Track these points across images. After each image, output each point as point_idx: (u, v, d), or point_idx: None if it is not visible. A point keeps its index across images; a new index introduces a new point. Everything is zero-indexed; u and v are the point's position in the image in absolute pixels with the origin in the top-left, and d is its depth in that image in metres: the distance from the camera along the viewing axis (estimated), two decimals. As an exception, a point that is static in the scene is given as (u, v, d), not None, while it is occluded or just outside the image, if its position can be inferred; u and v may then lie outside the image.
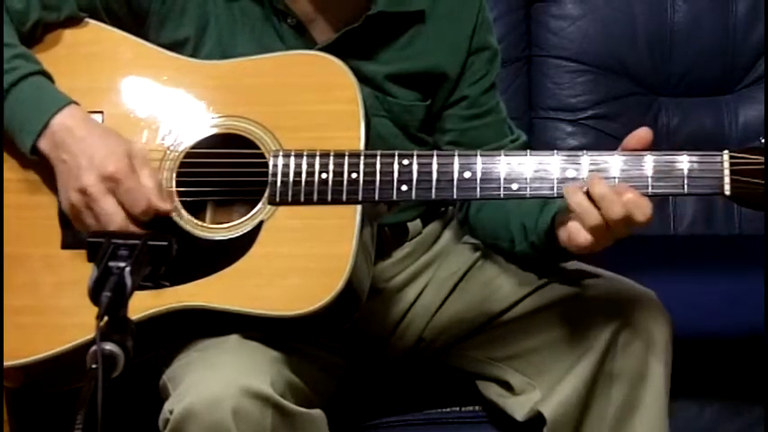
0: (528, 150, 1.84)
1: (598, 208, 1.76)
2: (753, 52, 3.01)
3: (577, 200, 1.78)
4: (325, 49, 1.94)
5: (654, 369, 1.96)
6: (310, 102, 1.88)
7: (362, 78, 1.92)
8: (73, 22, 1.96)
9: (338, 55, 1.90)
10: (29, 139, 1.83)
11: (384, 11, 1.97)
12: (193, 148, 1.88)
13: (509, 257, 2.07)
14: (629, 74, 3.00)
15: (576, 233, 1.79)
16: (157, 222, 1.83)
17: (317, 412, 1.85)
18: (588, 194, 1.77)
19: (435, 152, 1.84)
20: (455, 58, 2.04)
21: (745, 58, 3.02)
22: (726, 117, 3.02)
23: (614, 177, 1.79)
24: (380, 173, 1.82)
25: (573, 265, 2.05)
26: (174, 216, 1.85)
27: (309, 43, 1.97)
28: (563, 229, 1.83)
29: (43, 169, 1.89)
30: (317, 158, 1.83)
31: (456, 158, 1.83)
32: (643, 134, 1.82)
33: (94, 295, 1.44)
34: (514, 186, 1.81)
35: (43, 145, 1.83)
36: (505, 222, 2.00)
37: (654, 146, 1.83)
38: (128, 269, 1.46)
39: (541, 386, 2.00)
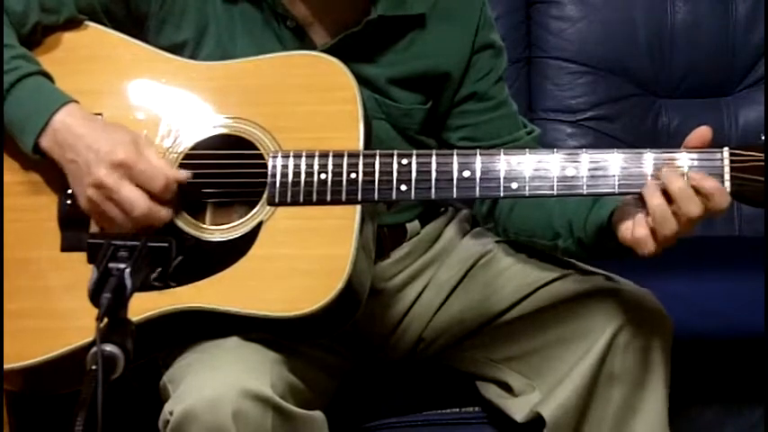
0: (527, 149, 1.84)
1: (672, 203, 1.74)
2: (752, 54, 3.01)
3: (658, 203, 1.75)
4: (325, 52, 1.93)
5: (654, 370, 1.96)
6: (309, 102, 1.88)
7: (362, 81, 1.91)
8: (72, 24, 1.96)
9: (338, 58, 1.90)
10: (30, 137, 1.83)
11: (384, 15, 1.97)
12: (193, 149, 1.88)
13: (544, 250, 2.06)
14: (629, 75, 3.00)
15: (645, 242, 1.76)
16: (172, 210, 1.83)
17: (318, 414, 1.85)
18: (664, 192, 1.75)
19: (434, 151, 1.84)
20: (458, 59, 2.04)
21: (744, 59, 3.03)
22: (726, 119, 3.02)
23: (614, 175, 1.79)
24: (379, 173, 1.82)
25: (573, 265, 2.05)
26: (174, 217, 1.85)
27: (309, 46, 1.97)
28: (626, 230, 1.80)
29: (43, 172, 1.89)
30: (316, 159, 1.83)
31: (455, 158, 1.82)
32: (703, 132, 1.79)
33: (94, 297, 1.44)
34: (514, 185, 1.81)
35: (45, 143, 1.83)
36: (548, 221, 1.99)
37: (653, 147, 1.83)
38: (128, 270, 1.46)
39: (541, 387, 2.00)
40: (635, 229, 1.78)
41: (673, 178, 1.75)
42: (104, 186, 1.79)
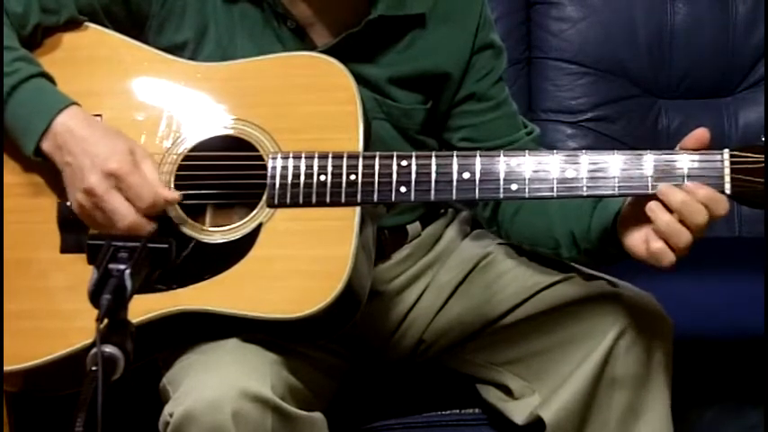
0: (527, 151, 1.84)
1: (680, 218, 1.74)
2: (752, 54, 3.01)
3: (666, 219, 1.74)
4: (325, 52, 1.93)
5: (656, 373, 1.96)
6: (309, 103, 1.88)
7: (362, 81, 1.92)
8: (73, 25, 1.96)
9: (338, 58, 1.90)
10: (32, 140, 1.83)
11: (384, 15, 1.97)
12: (192, 150, 1.88)
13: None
14: (629, 76, 3.00)
15: (664, 253, 1.75)
16: (157, 225, 1.83)
17: (318, 415, 1.85)
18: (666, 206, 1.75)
19: (434, 153, 1.84)
20: (458, 59, 2.04)
21: (744, 60, 3.02)
22: (726, 119, 3.02)
23: (614, 177, 1.79)
24: (379, 174, 1.82)
25: (573, 268, 2.05)
26: (174, 219, 1.85)
27: (309, 47, 1.97)
28: (638, 247, 1.80)
29: (42, 173, 1.89)
30: (316, 160, 1.83)
31: (455, 159, 1.82)
32: (699, 134, 1.79)
33: (94, 298, 1.44)
34: (514, 187, 1.81)
35: (46, 146, 1.83)
36: (548, 229, 1.99)
37: (653, 148, 1.82)
38: (128, 271, 1.46)
39: (541, 391, 1.99)
40: (650, 244, 1.77)
41: (671, 193, 1.75)
42: (94, 194, 1.80)
